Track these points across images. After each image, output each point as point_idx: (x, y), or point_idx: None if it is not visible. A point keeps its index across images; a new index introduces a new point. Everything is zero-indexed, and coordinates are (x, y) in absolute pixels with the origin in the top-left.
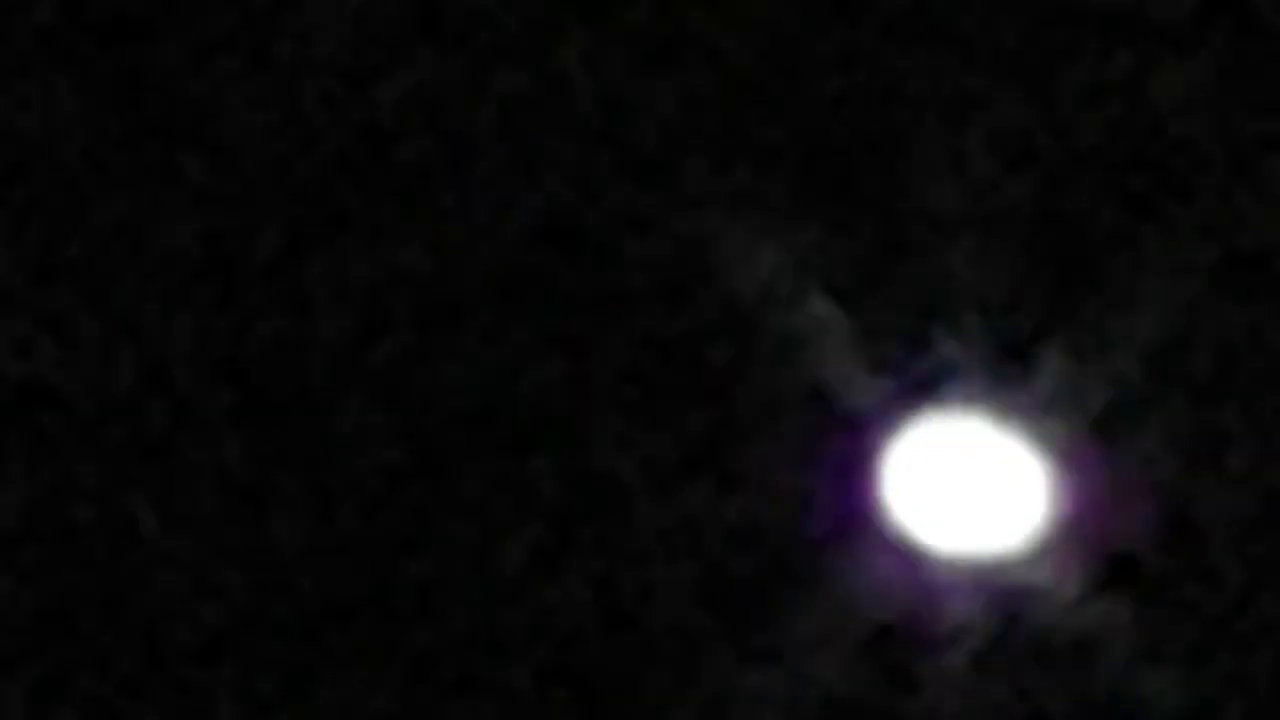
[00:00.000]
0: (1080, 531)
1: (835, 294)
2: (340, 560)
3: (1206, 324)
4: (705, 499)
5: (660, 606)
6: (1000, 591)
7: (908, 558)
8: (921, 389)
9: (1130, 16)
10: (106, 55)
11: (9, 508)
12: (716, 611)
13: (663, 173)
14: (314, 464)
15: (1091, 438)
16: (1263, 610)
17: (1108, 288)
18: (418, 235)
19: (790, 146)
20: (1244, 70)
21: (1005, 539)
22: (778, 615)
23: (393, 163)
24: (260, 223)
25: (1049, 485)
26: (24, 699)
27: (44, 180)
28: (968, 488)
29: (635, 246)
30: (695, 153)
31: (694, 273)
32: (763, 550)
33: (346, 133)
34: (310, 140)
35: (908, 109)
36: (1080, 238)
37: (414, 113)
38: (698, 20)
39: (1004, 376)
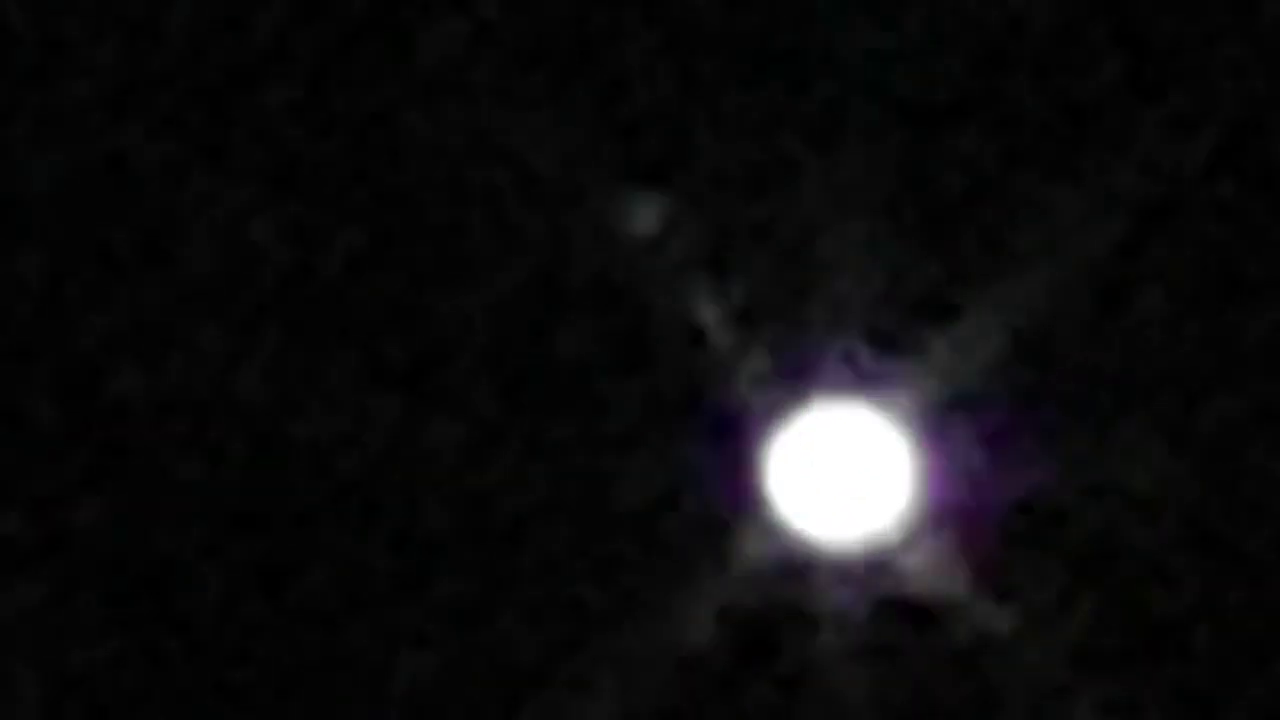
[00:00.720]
0: (950, 515)
1: (712, 277)
2: None
3: (1075, 307)
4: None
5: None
6: (873, 575)
7: (785, 542)
8: (795, 375)
9: None
10: None
11: None
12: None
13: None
14: None
15: (961, 421)
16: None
17: (980, 272)
18: None
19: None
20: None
21: (877, 524)
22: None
23: None
24: None
25: (919, 469)
26: None
27: None
28: (840, 473)
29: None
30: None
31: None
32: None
33: None
34: None
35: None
36: (953, 223)
37: None
38: None
39: (877, 362)
